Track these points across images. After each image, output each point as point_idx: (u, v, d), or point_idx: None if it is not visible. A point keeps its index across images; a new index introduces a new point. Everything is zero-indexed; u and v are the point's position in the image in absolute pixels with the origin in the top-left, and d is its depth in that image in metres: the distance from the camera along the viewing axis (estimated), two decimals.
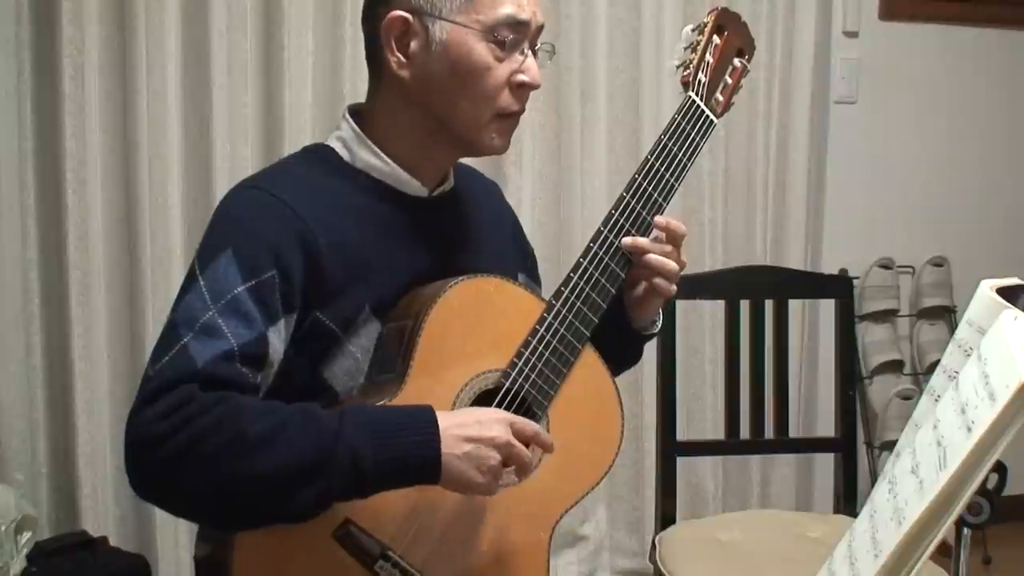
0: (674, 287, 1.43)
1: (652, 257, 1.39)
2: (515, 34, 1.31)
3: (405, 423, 1.21)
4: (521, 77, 1.33)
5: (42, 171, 2.47)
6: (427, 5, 1.29)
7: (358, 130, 1.36)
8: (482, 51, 1.30)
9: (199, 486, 1.15)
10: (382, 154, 1.35)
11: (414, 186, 1.37)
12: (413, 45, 1.30)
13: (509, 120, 1.36)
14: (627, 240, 1.38)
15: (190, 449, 1.14)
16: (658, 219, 1.40)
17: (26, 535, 2.29)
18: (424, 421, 1.21)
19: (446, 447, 1.20)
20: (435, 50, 1.30)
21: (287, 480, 1.15)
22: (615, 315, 1.42)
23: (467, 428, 1.22)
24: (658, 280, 1.41)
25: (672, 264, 1.41)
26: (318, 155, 1.38)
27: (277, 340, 1.24)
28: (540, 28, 1.34)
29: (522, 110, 1.36)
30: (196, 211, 2.54)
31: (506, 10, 1.29)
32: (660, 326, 1.56)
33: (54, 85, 2.42)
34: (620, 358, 1.52)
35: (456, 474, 1.22)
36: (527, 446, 1.27)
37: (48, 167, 2.46)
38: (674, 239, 1.42)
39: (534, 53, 1.35)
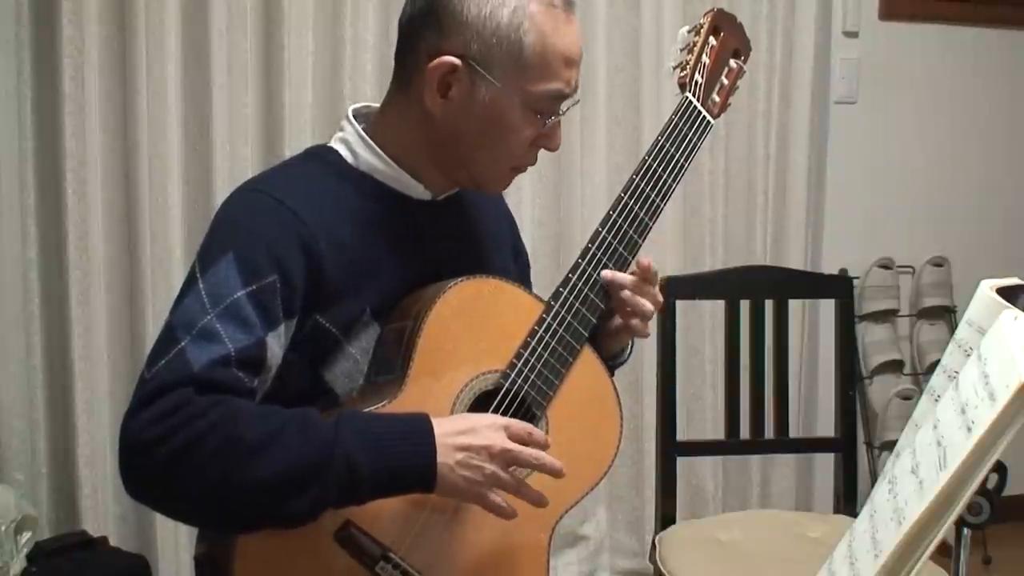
0: (648, 330, 1.43)
1: (628, 295, 1.39)
2: (554, 109, 1.31)
3: (401, 431, 1.20)
4: (545, 143, 1.34)
5: (42, 171, 2.47)
6: (481, 58, 1.26)
7: (362, 133, 1.36)
8: (519, 118, 1.30)
9: (194, 490, 1.15)
10: (386, 157, 1.35)
11: (418, 190, 1.37)
12: (455, 90, 1.29)
13: (519, 171, 1.38)
14: (607, 273, 1.38)
15: (185, 453, 1.14)
16: (640, 260, 1.40)
17: (26, 535, 2.29)
18: (420, 430, 1.21)
19: (441, 456, 1.20)
20: (475, 104, 1.28)
21: (282, 486, 1.15)
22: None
23: (462, 436, 1.22)
24: (634, 321, 1.41)
25: (648, 306, 1.40)
26: (321, 157, 1.37)
27: (276, 345, 1.24)
28: (575, 90, 1.33)
29: (534, 164, 1.38)
30: (196, 211, 2.54)
31: (555, 86, 1.29)
32: (629, 356, 1.55)
33: (54, 85, 2.42)
34: None
35: (450, 483, 1.21)
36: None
37: (48, 167, 2.46)
38: (650, 278, 1.41)
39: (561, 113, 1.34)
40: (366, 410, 1.25)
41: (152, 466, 1.15)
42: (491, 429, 1.23)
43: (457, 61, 1.27)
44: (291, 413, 1.20)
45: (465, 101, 1.29)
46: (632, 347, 1.55)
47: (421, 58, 1.29)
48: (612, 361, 1.51)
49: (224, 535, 1.22)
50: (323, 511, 1.19)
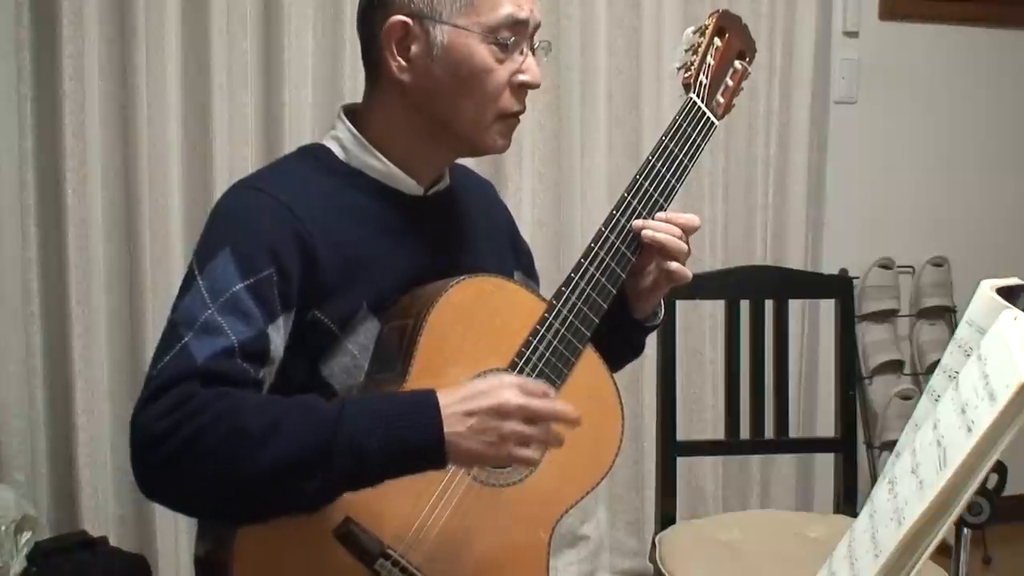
0: (689, 272, 1.42)
1: (663, 236, 1.37)
2: (515, 35, 1.32)
3: (406, 410, 1.19)
4: (522, 77, 1.33)
5: (42, 171, 2.46)
6: (427, 9, 1.29)
7: (354, 130, 1.37)
8: (483, 53, 1.30)
9: (202, 483, 1.15)
10: (378, 153, 1.36)
11: (410, 185, 1.38)
12: (414, 49, 1.31)
13: (511, 120, 1.37)
14: (638, 222, 1.38)
15: (190, 446, 1.13)
16: (662, 216, 1.40)
17: (26, 535, 2.29)
18: (424, 404, 1.19)
19: (449, 427, 1.18)
20: (436, 54, 1.30)
21: (289, 472, 1.15)
22: (615, 311, 1.42)
23: (468, 402, 1.19)
24: (672, 264, 1.40)
25: (684, 245, 1.40)
26: (314, 155, 1.38)
27: (277, 337, 1.24)
28: (538, 25, 1.35)
29: (523, 110, 1.37)
30: (196, 211, 2.54)
31: (506, 10, 1.30)
32: (662, 317, 1.56)
33: (54, 85, 2.42)
34: (621, 353, 1.52)
35: (466, 451, 1.19)
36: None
37: (48, 167, 2.46)
38: (683, 226, 1.41)
39: (532, 51, 1.35)
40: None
41: (159, 461, 1.15)
42: (501, 388, 1.20)
43: (406, 19, 1.29)
44: (294, 400, 1.20)
45: (427, 55, 1.30)
46: (663, 309, 1.55)
47: (379, 38, 1.31)
48: (647, 323, 1.51)
49: (239, 524, 1.21)
50: (334, 495, 1.18)
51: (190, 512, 1.29)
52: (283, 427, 1.16)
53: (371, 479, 1.18)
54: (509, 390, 1.20)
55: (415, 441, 1.18)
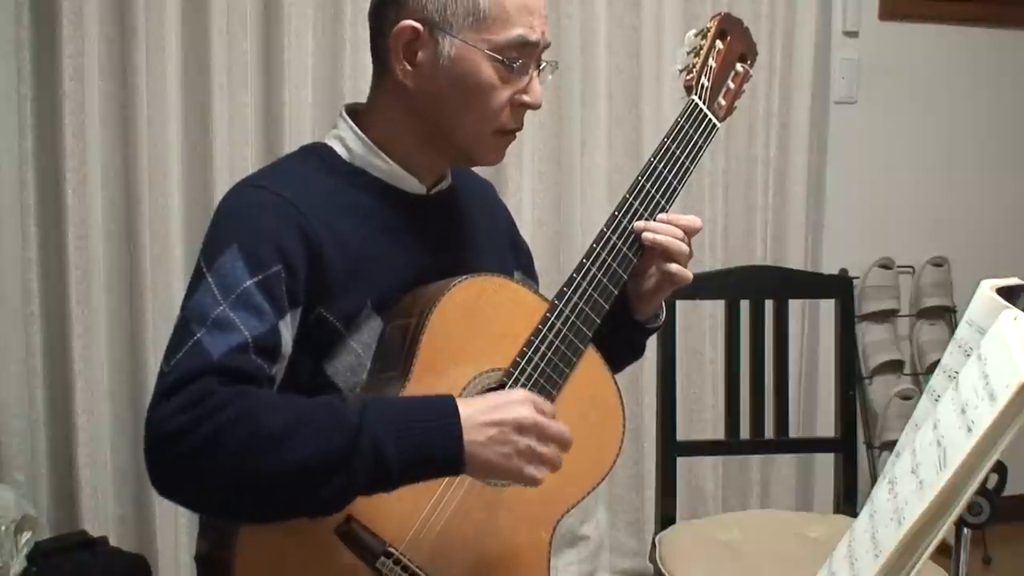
0: (690, 274, 1.42)
1: (664, 239, 1.38)
2: (523, 56, 1.32)
3: (427, 416, 1.19)
4: (524, 98, 1.34)
5: (42, 171, 2.46)
6: (439, 19, 1.29)
7: (356, 129, 1.37)
8: (489, 71, 1.31)
9: (219, 480, 1.14)
10: (381, 153, 1.36)
11: (413, 184, 1.38)
12: (421, 55, 1.31)
13: (508, 137, 1.38)
14: (640, 223, 1.38)
15: (210, 442, 1.13)
16: (664, 217, 1.40)
17: (26, 535, 2.29)
18: (445, 412, 1.20)
19: (468, 435, 1.19)
20: (443, 64, 1.30)
21: (309, 475, 1.15)
22: (617, 312, 1.42)
23: (490, 413, 1.20)
24: (673, 266, 1.41)
25: (685, 247, 1.40)
26: (317, 154, 1.39)
27: (287, 333, 1.25)
28: (547, 46, 1.35)
29: (520, 127, 1.37)
30: (196, 211, 2.54)
31: (517, 31, 1.30)
32: (663, 319, 1.57)
33: (54, 85, 2.42)
34: (622, 355, 1.53)
35: (483, 460, 1.20)
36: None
37: (48, 167, 2.46)
38: (685, 228, 1.41)
39: (538, 70, 1.35)
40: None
41: (176, 457, 1.14)
42: (519, 404, 1.22)
43: (417, 25, 1.29)
44: (315, 401, 1.20)
45: (433, 64, 1.31)
46: (664, 311, 1.56)
47: (389, 38, 1.32)
48: (648, 325, 1.52)
49: (249, 523, 1.21)
50: (353, 498, 1.18)
51: (203, 510, 1.28)
52: (305, 429, 1.15)
53: (392, 484, 1.19)
54: (525, 406, 1.22)
55: (437, 448, 1.18)
